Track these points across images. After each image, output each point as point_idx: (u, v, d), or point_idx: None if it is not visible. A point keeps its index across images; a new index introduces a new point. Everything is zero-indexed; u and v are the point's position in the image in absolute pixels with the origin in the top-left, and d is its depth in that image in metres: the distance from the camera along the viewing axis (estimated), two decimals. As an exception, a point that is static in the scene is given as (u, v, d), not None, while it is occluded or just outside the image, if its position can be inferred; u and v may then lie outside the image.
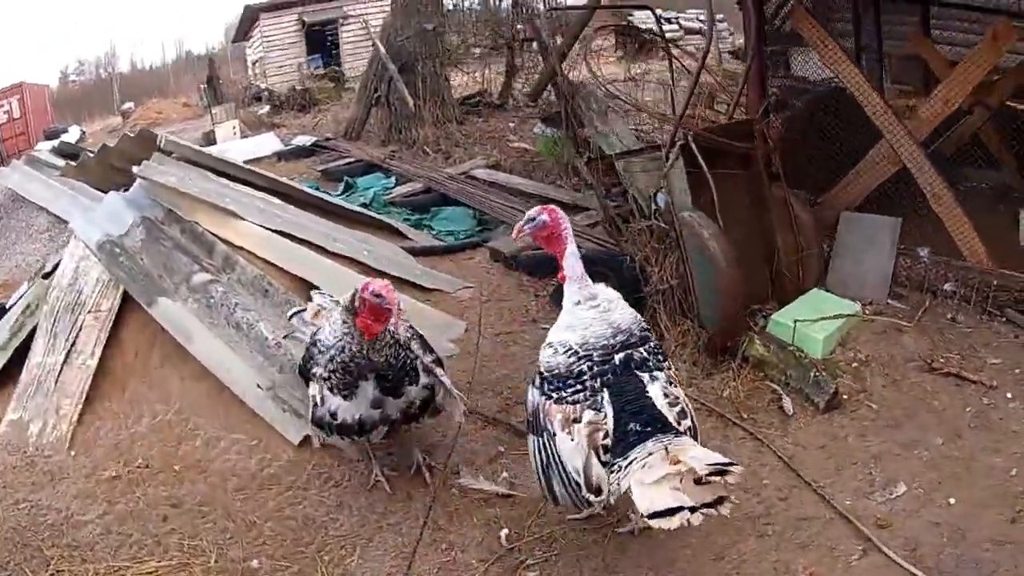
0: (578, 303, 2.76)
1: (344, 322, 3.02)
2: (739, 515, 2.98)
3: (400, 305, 2.92)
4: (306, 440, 3.61)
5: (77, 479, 3.46)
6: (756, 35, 4.83)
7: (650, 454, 2.32)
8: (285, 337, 3.70)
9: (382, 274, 4.83)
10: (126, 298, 4.08)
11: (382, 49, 9.23)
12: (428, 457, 3.47)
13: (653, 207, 4.59)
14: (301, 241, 4.79)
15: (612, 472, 2.43)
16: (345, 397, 3.04)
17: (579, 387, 2.61)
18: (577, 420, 2.56)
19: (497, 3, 13.19)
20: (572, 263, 2.81)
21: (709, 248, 3.92)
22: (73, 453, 3.64)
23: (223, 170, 4.90)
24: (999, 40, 4.45)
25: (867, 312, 4.38)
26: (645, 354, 2.68)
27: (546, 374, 2.70)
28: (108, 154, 4.95)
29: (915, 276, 4.65)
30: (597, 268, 4.60)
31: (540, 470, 2.70)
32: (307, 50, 18.34)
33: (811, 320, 4.08)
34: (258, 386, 3.79)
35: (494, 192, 7.07)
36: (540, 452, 2.69)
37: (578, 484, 2.53)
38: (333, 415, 3.08)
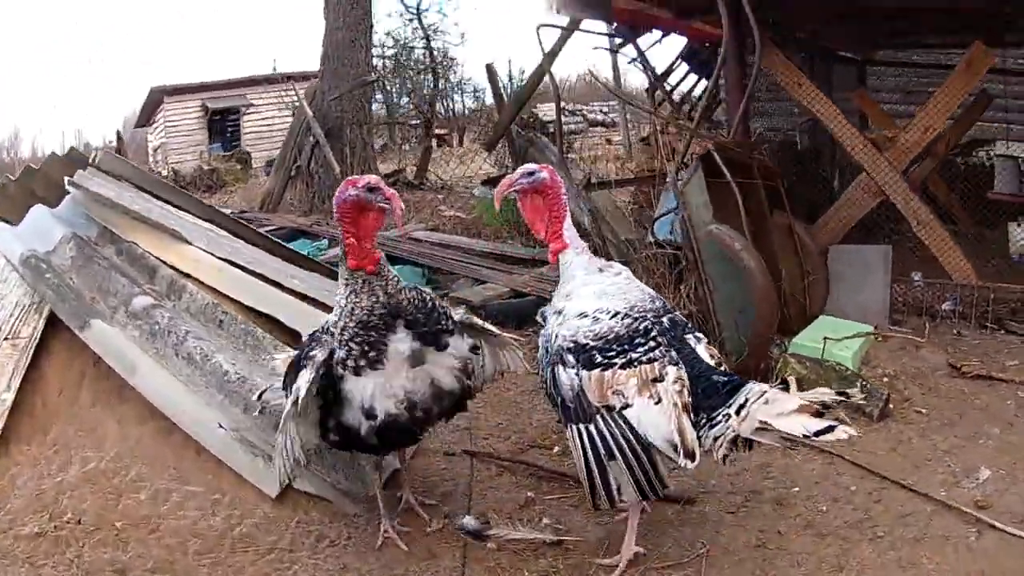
0: (601, 270, 2.57)
1: (346, 283, 2.50)
2: (840, 523, 2.73)
3: (401, 206, 2.42)
4: (287, 491, 2.91)
5: (-8, 535, 2.63)
6: (738, 76, 4.88)
7: (764, 392, 2.19)
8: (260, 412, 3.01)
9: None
10: (50, 325, 3.30)
11: (309, 112, 8.89)
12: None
13: (650, 239, 4.45)
14: (254, 275, 4.15)
15: (714, 425, 2.22)
16: (374, 365, 2.42)
17: (652, 344, 2.36)
18: (659, 379, 2.27)
19: (396, 99, 13.48)
20: (573, 232, 2.62)
21: (744, 261, 3.76)
22: (-15, 504, 2.80)
23: (166, 196, 4.24)
24: (973, 65, 4.68)
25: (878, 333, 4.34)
26: (682, 317, 2.63)
27: (593, 343, 2.37)
28: (32, 177, 4.16)
29: (911, 300, 4.80)
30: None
31: (592, 463, 2.30)
32: (209, 137, 17.89)
33: (835, 339, 3.98)
34: (220, 426, 3.08)
35: (441, 248, 6.70)
36: (596, 440, 2.30)
37: (651, 461, 2.26)
38: (370, 412, 2.46)
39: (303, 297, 4.21)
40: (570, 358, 2.38)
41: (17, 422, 3.06)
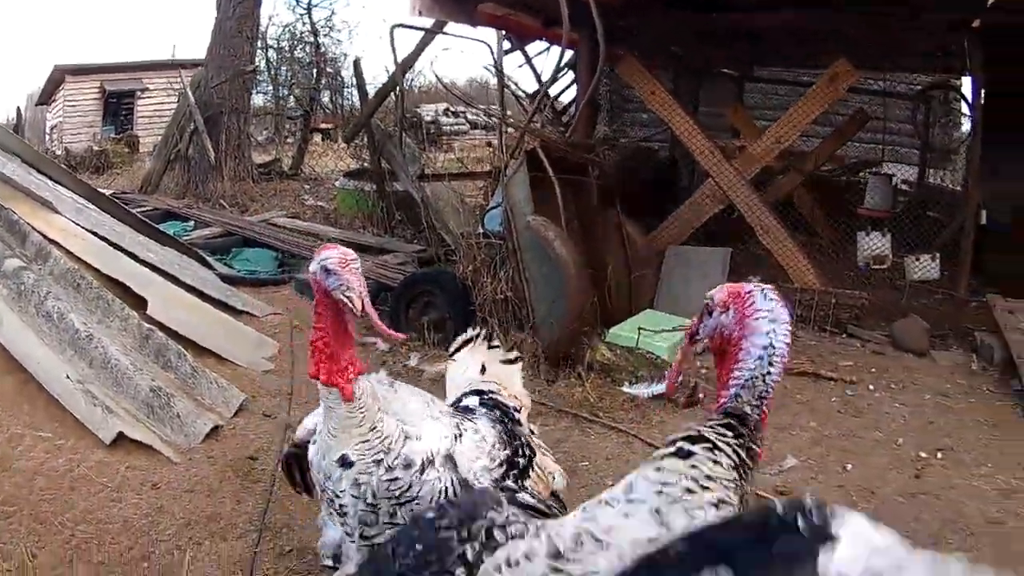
0: (391, 384, 2.23)
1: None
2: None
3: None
4: (119, 438, 3.50)
5: None
6: (587, 79, 5.54)
7: None
8: None
9: (193, 291, 4.97)
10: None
11: (191, 98, 9.61)
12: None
13: (480, 229, 5.06)
14: (115, 247, 4.76)
15: None
16: None
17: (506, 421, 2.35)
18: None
19: (286, 93, 14.47)
20: None
21: (556, 250, 4.22)
22: None
23: (48, 171, 4.82)
24: (837, 80, 5.44)
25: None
26: None
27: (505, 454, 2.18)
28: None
29: (748, 303, 5.45)
30: (423, 286, 4.99)
31: None
32: (103, 119, 18.37)
33: (653, 331, 4.57)
34: (67, 377, 3.65)
35: (296, 235, 7.64)
36: None
37: None
38: None
39: (154, 269, 4.86)
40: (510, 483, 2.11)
41: None
